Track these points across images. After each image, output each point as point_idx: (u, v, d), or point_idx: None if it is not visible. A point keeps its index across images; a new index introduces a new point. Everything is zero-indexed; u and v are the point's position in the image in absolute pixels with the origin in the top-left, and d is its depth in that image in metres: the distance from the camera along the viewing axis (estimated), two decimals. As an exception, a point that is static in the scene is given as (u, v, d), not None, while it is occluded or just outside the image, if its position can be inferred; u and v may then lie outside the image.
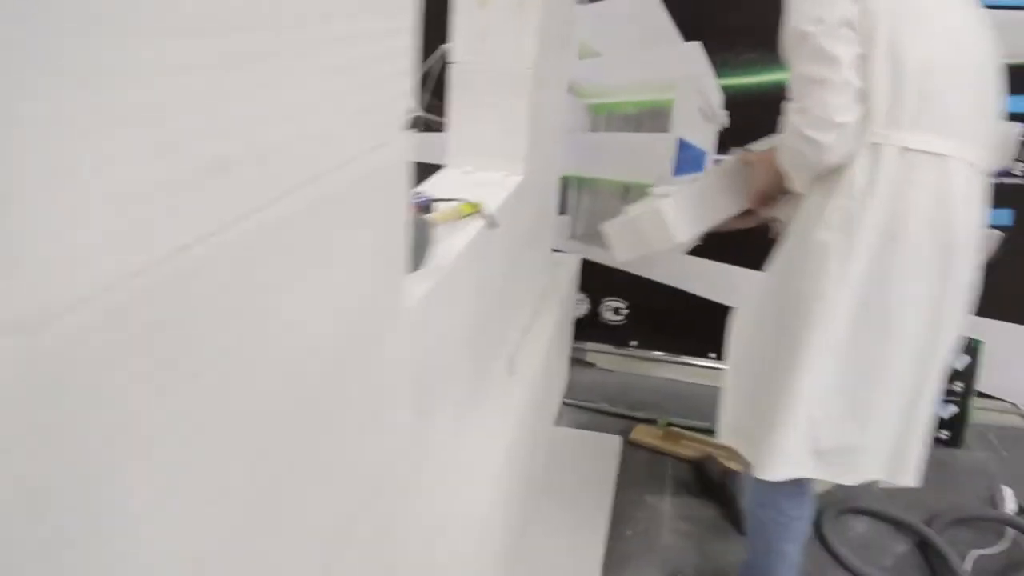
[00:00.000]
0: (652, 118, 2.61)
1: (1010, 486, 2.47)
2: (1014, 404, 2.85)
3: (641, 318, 2.89)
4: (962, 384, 2.70)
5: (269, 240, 0.66)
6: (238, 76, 0.55)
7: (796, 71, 1.40)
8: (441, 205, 1.50)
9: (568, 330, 2.68)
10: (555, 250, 2.59)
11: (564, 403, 2.76)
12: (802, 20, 1.37)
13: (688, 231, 1.77)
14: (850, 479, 1.55)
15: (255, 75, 0.58)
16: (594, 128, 2.69)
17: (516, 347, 1.91)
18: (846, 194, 1.39)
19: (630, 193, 2.66)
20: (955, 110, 1.38)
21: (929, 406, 1.53)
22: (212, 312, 0.55)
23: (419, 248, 1.25)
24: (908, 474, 1.55)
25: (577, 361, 3.03)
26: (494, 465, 1.50)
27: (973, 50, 1.43)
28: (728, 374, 1.66)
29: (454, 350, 1.40)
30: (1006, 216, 2.61)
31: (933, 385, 1.51)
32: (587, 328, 2.98)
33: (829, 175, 1.43)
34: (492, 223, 1.53)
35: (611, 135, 2.64)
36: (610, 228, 1.94)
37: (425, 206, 1.50)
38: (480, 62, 1.78)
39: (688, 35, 2.48)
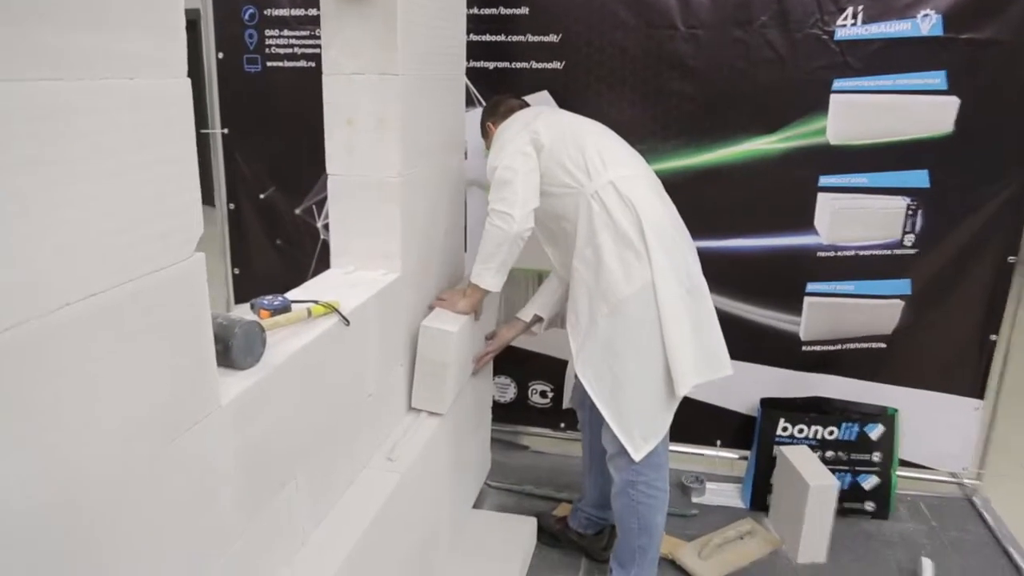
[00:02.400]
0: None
1: (934, 557, 2.53)
2: (932, 469, 2.95)
3: (567, 400, 3.05)
4: (880, 453, 2.80)
5: (51, 343, 0.88)
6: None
7: (493, 184, 2.16)
8: (295, 307, 1.70)
9: (487, 417, 2.84)
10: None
11: (488, 486, 2.90)
12: (493, 160, 2.19)
13: (453, 325, 2.19)
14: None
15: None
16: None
17: (401, 434, 2.08)
18: (612, 230, 2.07)
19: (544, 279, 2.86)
20: (618, 154, 2.19)
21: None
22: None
23: (249, 349, 1.45)
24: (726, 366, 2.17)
25: (509, 444, 3.18)
26: (350, 542, 1.64)
27: (599, 125, 2.29)
28: (608, 407, 2.11)
29: (301, 437, 1.57)
30: (904, 286, 2.77)
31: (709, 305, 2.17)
32: (517, 412, 3.14)
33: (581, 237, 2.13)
34: (345, 321, 1.73)
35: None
36: (419, 398, 2.22)
37: (283, 308, 1.70)
38: (351, 173, 2.02)
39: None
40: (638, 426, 2.10)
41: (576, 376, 2.18)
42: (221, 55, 3.01)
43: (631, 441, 2.10)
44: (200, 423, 1.20)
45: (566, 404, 2.48)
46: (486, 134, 2.48)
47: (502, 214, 2.11)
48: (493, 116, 2.45)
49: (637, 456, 2.10)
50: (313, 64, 2.92)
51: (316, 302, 1.72)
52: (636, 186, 2.11)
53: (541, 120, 2.21)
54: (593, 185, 2.10)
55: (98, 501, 0.98)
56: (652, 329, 2.04)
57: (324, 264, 3.12)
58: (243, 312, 1.68)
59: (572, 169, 2.13)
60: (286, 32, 2.96)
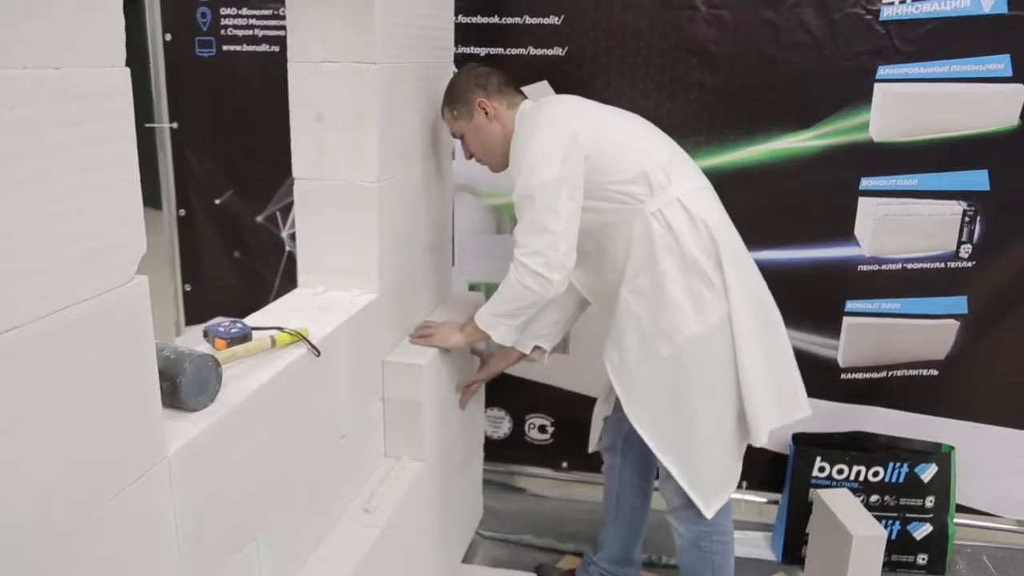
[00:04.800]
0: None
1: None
2: (997, 516, 2.90)
3: (571, 436, 2.99)
4: (933, 498, 2.75)
5: None
6: None
7: (525, 221, 1.98)
8: (256, 335, 1.64)
9: (478, 456, 2.78)
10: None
11: (480, 536, 2.85)
12: (528, 185, 1.96)
13: (421, 357, 2.13)
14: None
15: None
16: (499, 230, 2.87)
17: (379, 482, 2.02)
18: (677, 258, 1.97)
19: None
20: (679, 163, 2.07)
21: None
22: None
23: (202, 387, 1.39)
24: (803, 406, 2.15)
25: (503, 487, 3.13)
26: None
27: (644, 122, 2.16)
28: (674, 460, 2.06)
29: (263, 490, 1.51)
30: (960, 304, 2.73)
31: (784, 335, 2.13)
32: (512, 449, 3.09)
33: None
34: (315, 351, 1.67)
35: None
36: (393, 444, 2.17)
37: (241, 336, 1.64)
38: (321, 177, 1.97)
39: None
40: (710, 480, 2.08)
41: (605, 418, 2.18)
42: (169, 37, 2.95)
43: (702, 497, 2.07)
44: (140, 479, 1.14)
45: (592, 448, 2.43)
46: (467, 113, 2.16)
47: (538, 277, 1.95)
48: (484, 89, 2.15)
49: (709, 513, 2.08)
50: (277, 48, 2.88)
51: (281, 329, 1.68)
52: (704, 202, 2.03)
53: (582, 117, 2.04)
54: (656, 202, 1.97)
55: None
56: (728, 373, 2.00)
57: (290, 280, 3.08)
58: (194, 340, 1.63)
59: (625, 185, 1.99)
60: (245, 11, 2.91)
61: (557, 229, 1.93)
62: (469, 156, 2.24)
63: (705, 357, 1.99)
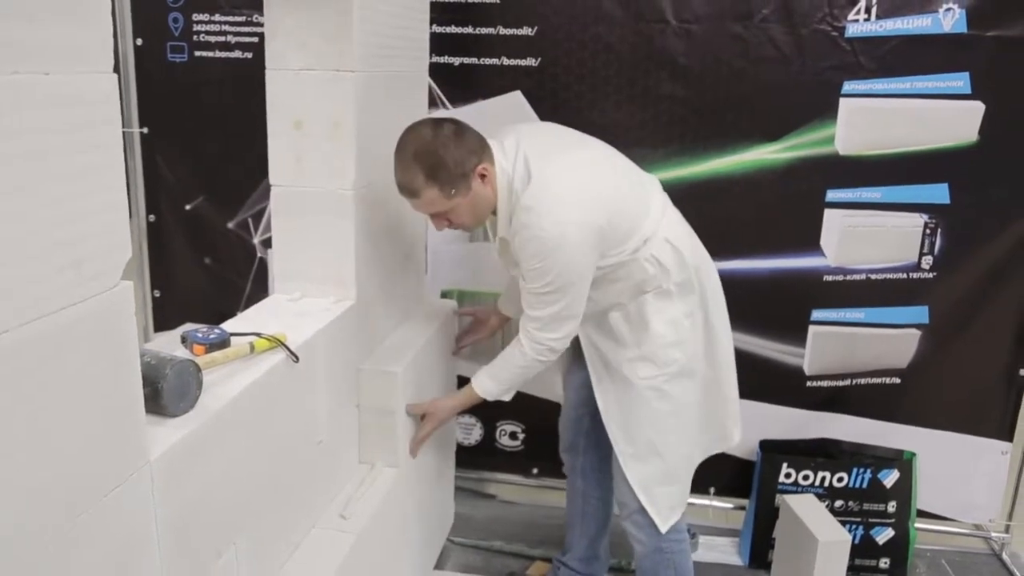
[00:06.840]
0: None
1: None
2: (956, 521, 2.96)
3: (541, 442, 3.00)
4: (895, 503, 2.80)
5: None
6: None
7: (554, 311, 1.95)
8: (234, 340, 1.64)
9: (451, 462, 2.79)
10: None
11: (451, 542, 2.85)
12: (557, 284, 1.90)
13: (397, 364, 2.12)
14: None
15: None
16: (472, 238, 2.87)
17: (355, 488, 2.02)
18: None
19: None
20: (662, 204, 2.07)
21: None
22: None
23: (183, 392, 1.38)
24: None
25: (474, 493, 3.13)
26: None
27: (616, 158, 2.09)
28: (638, 475, 2.11)
29: (243, 495, 1.51)
30: (921, 314, 2.78)
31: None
32: (483, 456, 3.09)
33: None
34: (293, 357, 1.67)
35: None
36: (367, 452, 2.16)
37: (220, 342, 1.63)
38: (298, 185, 1.96)
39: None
40: (668, 496, 2.13)
41: (573, 420, 2.28)
42: (140, 41, 2.93)
43: (658, 512, 2.12)
44: (124, 484, 1.14)
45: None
46: (465, 187, 1.88)
47: (555, 352, 2.04)
48: (475, 153, 1.89)
49: (664, 527, 2.13)
50: (250, 55, 2.87)
51: (259, 335, 1.66)
52: (680, 230, 2.08)
53: (599, 203, 1.91)
54: (649, 248, 1.99)
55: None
56: (699, 394, 2.11)
57: (261, 286, 3.08)
58: (170, 345, 1.62)
59: (628, 247, 1.98)
60: (217, 17, 2.89)
61: (578, 315, 2.00)
62: (443, 227, 2.02)
63: (683, 387, 2.07)
